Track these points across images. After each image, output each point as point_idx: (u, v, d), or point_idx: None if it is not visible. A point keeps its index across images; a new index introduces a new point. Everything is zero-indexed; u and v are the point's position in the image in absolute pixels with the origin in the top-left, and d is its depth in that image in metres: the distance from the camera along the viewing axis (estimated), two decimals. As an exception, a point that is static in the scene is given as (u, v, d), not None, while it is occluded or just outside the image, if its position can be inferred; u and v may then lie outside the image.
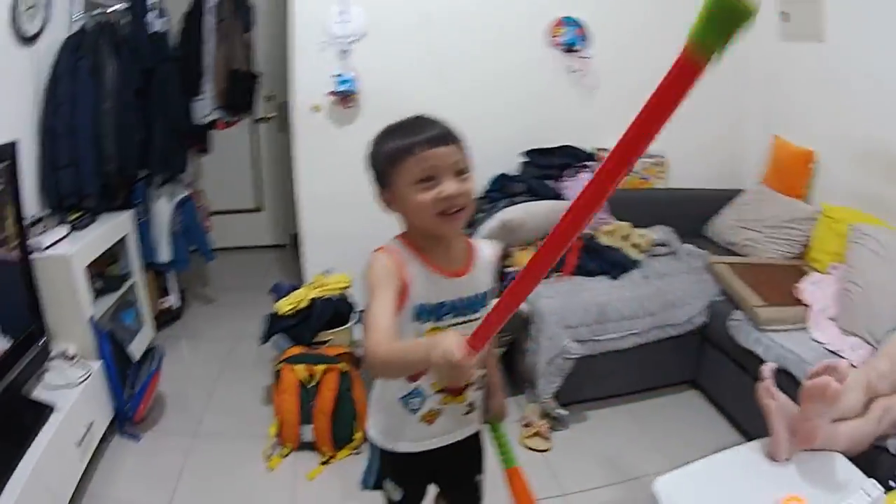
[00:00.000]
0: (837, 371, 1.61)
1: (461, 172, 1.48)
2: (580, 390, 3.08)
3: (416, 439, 1.72)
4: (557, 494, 2.66)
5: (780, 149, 3.59)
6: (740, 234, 3.45)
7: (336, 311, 3.41)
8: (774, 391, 1.72)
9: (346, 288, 3.56)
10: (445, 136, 1.47)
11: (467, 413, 1.74)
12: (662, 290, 3.06)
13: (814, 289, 2.83)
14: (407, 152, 1.44)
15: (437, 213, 1.45)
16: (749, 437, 2.70)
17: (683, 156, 3.88)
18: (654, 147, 3.62)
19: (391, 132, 1.53)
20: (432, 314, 1.54)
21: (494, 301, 1.39)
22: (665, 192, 3.87)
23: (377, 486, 1.99)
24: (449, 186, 1.44)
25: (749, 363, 2.71)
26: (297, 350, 3.19)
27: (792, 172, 3.46)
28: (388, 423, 1.74)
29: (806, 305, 2.76)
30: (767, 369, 1.79)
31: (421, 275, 1.52)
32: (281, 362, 3.11)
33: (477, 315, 1.58)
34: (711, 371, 3.12)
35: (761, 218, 3.42)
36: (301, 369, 3.04)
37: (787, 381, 1.76)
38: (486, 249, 1.70)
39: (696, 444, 2.74)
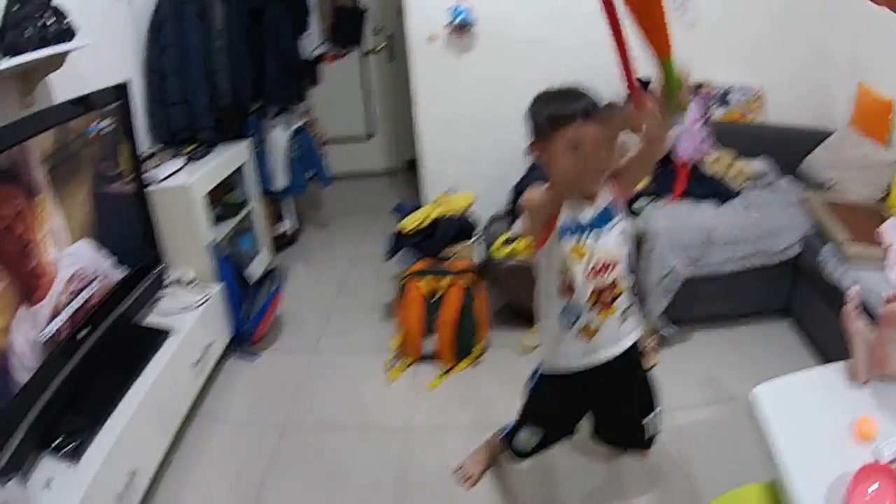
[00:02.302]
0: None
1: (605, 140, 1.63)
2: (684, 311, 2.99)
3: (576, 357, 1.85)
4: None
5: (864, 96, 3.29)
6: (829, 174, 3.24)
7: (460, 227, 3.36)
8: (857, 314, 1.64)
9: (469, 206, 3.48)
10: (594, 109, 1.62)
11: (622, 323, 1.84)
12: (761, 220, 2.93)
13: (893, 231, 2.66)
14: (568, 120, 1.60)
15: (579, 176, 1.65)
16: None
17: (780, 93, 3.65)
18: (751, 80, 3.34)
19: (555, 97, 1.68)
20: (576, 231, 1.71)
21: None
22: (763, 127, 3.64)
23: (510, 431, 2.16)
24: (592, 157, 1.62)
25: (836, 296, 2.55)
26: (421, 265, 3.13)
27: (875, 120, 3.18)
28: (552, 344, 1.88)
29: (886, 246, 2.60)
30: (853, 292, 1.70)
31: (569, 204, 1.71)
32: (406, 277, 3.06)
33: (607, 229, 1.75)
34: (803, 302, 2.98)
35: (849, 159, 3.18)
36: (426, 283, 3.00)
37: (865, 315, 1.63)
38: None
39: (786, 372, 2.55)
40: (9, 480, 1.75)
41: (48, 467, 1.96)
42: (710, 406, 2.61)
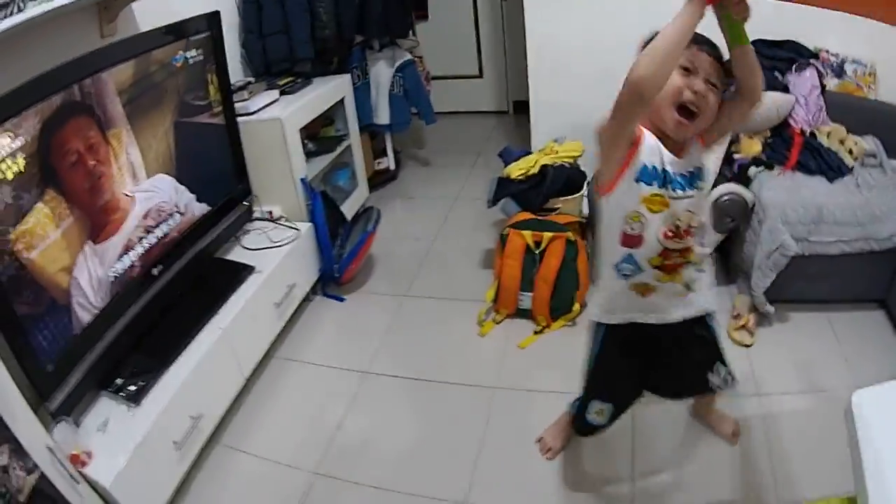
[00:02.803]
0: None
1: (710, 83, 1.47)
2: (786, 289, 2.71)
3: (629, 310, 1.71)
4: (753, 393, 2.34)
5: None
6: None
7: (568, 178, 3.11)
8: None
9: (578, 156, 3.24)
10: (713, 46, 1.48)
11: (685, 294, 1.69)
12: (870, 202, 2.59)
13: None
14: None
15: (677, 103, 1.46)
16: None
17: (892, 70, 3.23)
18: (865, 54, 3.05)
19: None
20: (656, 178, 1.51)
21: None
22: (876, 103, 3.21)
23: (578, 407, 1.95)
24: (698, 83, 1.45)
25: None
26: (525, 215, 2.92)
27: None
28: (605, 295, 1.74)
29: None
30: None
31: (652, 141, 1.50)
32: (509, 227, 2.86)
33: (694, 191, 1.56)
34: None
35: None
36: (529, 235, 2.78)
37: None
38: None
39: (879, 366, 2.43)
40: (60, 421, 1.70)
41: (106, 408, 1.93)
42: (802, 395, 2.36)
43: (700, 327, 1.80)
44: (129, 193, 2.06)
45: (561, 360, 2.54)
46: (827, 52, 3.25)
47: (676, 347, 1.80)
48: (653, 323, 1.71)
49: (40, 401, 1.71)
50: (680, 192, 1.53)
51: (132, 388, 1.95)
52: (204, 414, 2.11)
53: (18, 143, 1.63)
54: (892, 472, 1.18)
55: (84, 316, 1.87)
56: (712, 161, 1.70)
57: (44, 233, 1.73)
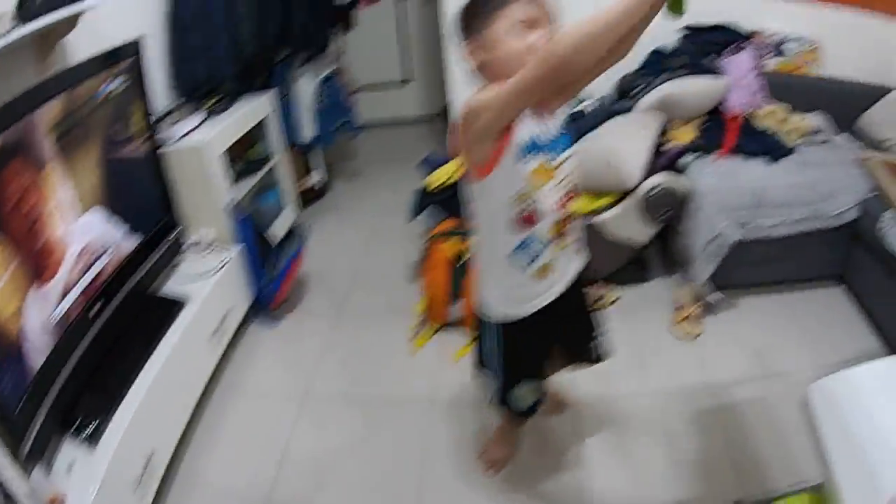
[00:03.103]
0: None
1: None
2: (732, 275, 2.79)
3: (532, 297, 1.65)
4: (704, 385, 2.42)
5: None
6: (888, 132, 2.95)
7: None
8: None
9: None
10: None
11: (574, 252, 1.70)
12: (817, 180, 2.68)
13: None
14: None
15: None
16: (890, 342, 2.45)
17: (836, 45, 3.37)
18: (808, 31, 3.00)
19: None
20: (535, 149, 1.45)
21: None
22: (818, 80, 3.34)
23: (504, 399, 1.91)
24: (544, 38, 1.36)
25: (895, 265, 2.38)
26: (448, 225, 2.94)
27: None
28: (498, 290, 1.67)
29: None
30: None
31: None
32: (431, 238, 2.89)
33: (563, 153, 1.53)
34: (859, 270, 2.74)
35: None
36: (452, 245, 2.80)
37: None
38: None
39: (839, 345, 2.50)
40: (32, 468, 1.70)
41: (70, 451, 1.91)
42: (759, 381, 2.41)
43: (582, 294, 1.83)
44: (64, 233, 2.03)
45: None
46: (763, 33, 3.34)
47: (568, 307, 1.76)
48: (553, 300, 1.68)
49: (16, 446, 1.68)
50: (560, 158, 1.51)
51: (89, 428, 1.93)
52: (156, 449, 2.10)
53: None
54: (858, 461, 1.20)
55: (37, 359, 1.84)
56: None
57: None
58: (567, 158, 1.52)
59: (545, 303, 1.66)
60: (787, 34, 3.35)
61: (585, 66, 1.17)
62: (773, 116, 3.01)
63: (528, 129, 1.43)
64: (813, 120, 3.04)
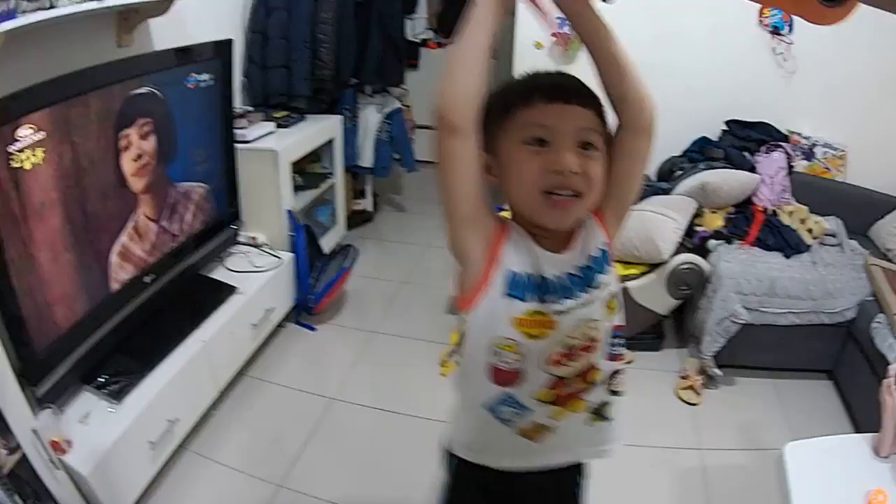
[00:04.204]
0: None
1: (587, 146, 1.04)
2: (735, 356, 2.93)
3: (511, 454, 1.23)
4: (695, 447, 2.56)
5: None
6: (894, 242, 3.15)
7: None
8: (894, 389, 1.68)
9: None
10: (578, 91, 1.05)
11: (594, 421, 1.23)
12: (825, 279, 2.85)
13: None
14: (522, 100, 1.04)
15: (542, 189, 1.03)
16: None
17: (863, 153, 3.56)
18: (838, 139, 3.32)
19: (511, 81, 1.14)
20: (530, 290, 1.08)
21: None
22: (841, 185, 3.56)
23: None
24: (566, 157, 1.02)
25: (881, 367, 2.46)
26: None
27: None
28: (475, 437, 1.25)
29: None
30: (893, 369, 1.75)
31: (519, 236, 1.10)
32: None
33: (592, 292, 1.13)
34: (848, 366, 2.88)
35: None
36: None
37: None
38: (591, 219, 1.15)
39: (818, 431, 2.43)
40: (45, 408, 1.81)
41: (88, 402, 2.03)
42: (743, 452, 2.57)
43: (575, 480, 1.42)
44: (140, 198, 2.20)
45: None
46: (799, 134, 3.53)
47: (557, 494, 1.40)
48: (540, 469, 1.25)
49: (29, 385, 1.80)
50: (570, 303, 1.10)
51: (114, 386, 2.05)
52: (179, 419, 2.22)
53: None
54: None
55: (82, 307, 1.99)
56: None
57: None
58: (583, 306, 1.12)
59: (530, 466, 1.25)
60: (819, 139, 3.54)
61: (465, 86, 0.98)
62: (795, 215, 3.19)
63: (521, 259, 1.09)
64: (829, 223, 3.21)
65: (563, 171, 1.01)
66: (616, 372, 1.24)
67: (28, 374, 1.80)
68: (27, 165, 1.72)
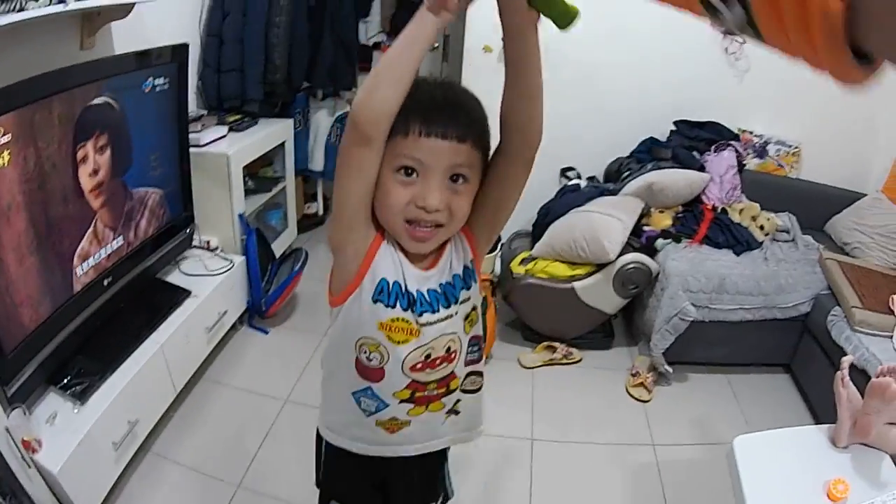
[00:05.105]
0: (899, 375, 1.71)
1: (457, 178, 1.10)
2: (686, 352, 3.07)
3: (370, 442, 1.33)
4: (648, 443, 2.70)
5: None
6: (854, 236, 3.35)
7: None
8: (847, 381, 1.76)
9: None
10: (458, 123, 1.07)
11: (448, 417, 1.35)
12: (777, 274, 3.00)
13: (905, 301, 2.77)
14: (400, 127, 1.04)
15: (405, 218, 1.10)
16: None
17: (817, 149, 3.74)
18: (792, 136, 3.45)
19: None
20: (398, 299, 1.16)
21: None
22: (795, 182, 3.74)
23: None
24: (431, 196, 1.07)
25: (838, 359, 2.56)
26: None
27: None
28: (337, 416, 1.35)
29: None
30: (846, 361, 1.83)
31: (390, 250, 1.17)
32: None
33: (454, 307, 1.21)
34: (805, 359, 3.05)
35: (875, 225, 3.31)
36: None
37: (865, 382, 1.75)
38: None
39: (777, 425, 2.72)
40: (14, 409, 1.87)
41: (54, 403, 2.10)
42: (695, 446, 2.70)
43: (434, 462, 1.51)
44: (96, 203, 2.26)
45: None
46: (751, 133, 3.68)
47: (403, 483, 1.50)
48: (396, 456, 1.36)
49: (2, 385, 1.87)
50: (431, 317, 1.18)
51: (78, 387, 2.12)
52: (139, 420, 2.29)
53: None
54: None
55: (45, 310, 2.06)
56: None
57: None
58: (446, 319, 1.20)
59: (383, 454, 1.35)
60: (772, 136, 3.70)
61: (384, 100, 0.98)
62: (746, 212, 3.34)
63: (393, 268, 1.16)
64: (781, 219, 3.38)
65: (426, 207, 1.07)
66: (471, 373, 1.34)
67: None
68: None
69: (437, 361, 1.22)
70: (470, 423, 1.41)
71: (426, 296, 1.18)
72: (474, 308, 1.27)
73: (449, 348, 1.22)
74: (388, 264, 1.15)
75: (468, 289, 1.23)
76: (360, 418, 1.28)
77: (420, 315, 1.17)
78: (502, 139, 1.11)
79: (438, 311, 1.19)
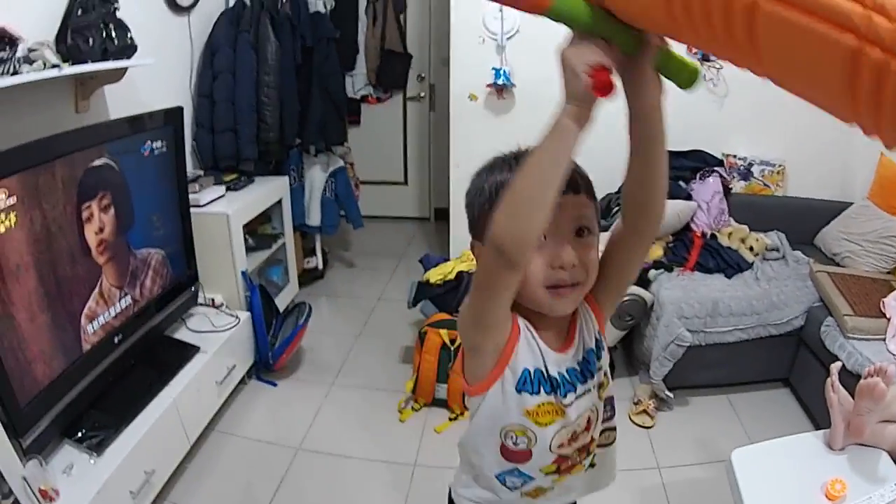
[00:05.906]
0: (887, 374, 1.74)
1: (582, 232, 1.10)
2: (686, 376, 3.14)
3: None
4: (653, 466, 2.76)
5: (885, 167, 3.52)
6: (843, 246, 3.44)
7: None
8: (838, 386, 1.85)
9: None
10: (574, 180, 1.06)
11: (586, 473, 1.33)
12: (769, 293, 3.10)
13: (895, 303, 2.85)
14: None
15: (546, 285, 1.09)
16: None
17: (801, 166, 3.86)
18: (775, 155, 3.56)
19: (499, 165, 1.13)
20: (543, 384, 1.16)
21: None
22: (781, 200, 3.86)
23: None
24: (565, 252, 1.07)
25: None
26: (442, 316, 3.32)
27: (893, 192, 3.43)
28: (480, 493, 1.31)
29: (890, 317, 2.78)
30: (834, 367, 1.93)
31: (526, 338, 1.15)
32: (427, 326, 3.24)
33: (591, 381, 1.21)
34: (803, 372, 3.13)
35: (863, 232, 3.40)
36: (445, 333, 3.16)
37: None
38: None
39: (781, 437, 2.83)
40: (31, 459, 1.95)
41: (70, 455, 2.18)
42: (701, 466, 2.76)
43: None
44: (104, 263, 2.37)
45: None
46: (734, 156, 3.80)
47: None
48: None
49: (16, 436, 1.95)
50: (573, 395, 1.18)
51: (94, 440, 2.21)
52: (156, 470, 2.37)
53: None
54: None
55: (60, 365, 2.16)
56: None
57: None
58: (585, 394, 1.21)
59: None
60: (755, 157, 3.83)
61: (526, 238, 0.94)
62: (734, 235, 3.45)
63: (532, 358, 1.16)
64: (769, 238, 3.48)
65: (563, 264, 1.07)
66: (606, 429, 1.33)
67: (14, 426, 1.94)
68: (2, 228, 1.89)
69: (580, 433, 1.22)
70: (606, 475, 1.41)
71: (567, 376, 1.18)
72: (606, 374, 1.27)
73: (588, 419, 1.23)
74: (528, 354, 1.15)
75: (600, 359, 1.24)
76: (505, 493, 1.27)
77: (564, 396, 1.17)
78: (624, 213, 1.13)
79: (577, 388, 1.19)
